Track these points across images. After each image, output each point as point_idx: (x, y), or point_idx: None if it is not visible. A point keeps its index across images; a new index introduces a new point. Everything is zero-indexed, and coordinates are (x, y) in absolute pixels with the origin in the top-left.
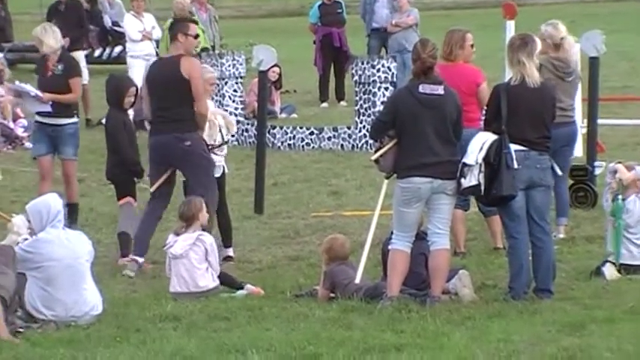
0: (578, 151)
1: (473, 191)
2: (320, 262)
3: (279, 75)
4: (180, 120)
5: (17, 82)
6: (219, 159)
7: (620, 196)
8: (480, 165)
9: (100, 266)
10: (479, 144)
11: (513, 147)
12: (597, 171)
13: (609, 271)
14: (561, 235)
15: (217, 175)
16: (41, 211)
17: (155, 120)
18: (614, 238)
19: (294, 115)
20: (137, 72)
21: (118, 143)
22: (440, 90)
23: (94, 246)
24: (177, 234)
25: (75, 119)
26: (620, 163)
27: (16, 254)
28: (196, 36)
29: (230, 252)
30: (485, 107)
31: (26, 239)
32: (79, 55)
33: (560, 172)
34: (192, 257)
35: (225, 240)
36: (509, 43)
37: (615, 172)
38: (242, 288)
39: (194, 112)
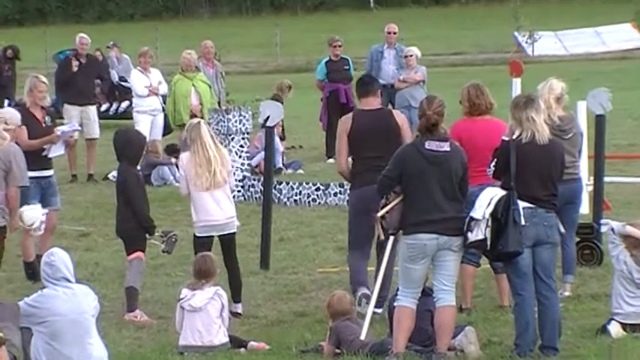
0: (584, 208)
1: (479, 246)
2: (326, 318)
3: (282, 127)
4: None
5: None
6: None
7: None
8: (487, 220)
9: (106, 321)
10: (487, 199)
11: (521, 204)
12: (603, 229)
13: (615, 329)
14: (567, 293)
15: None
16: (52, 265)
17: (369, 169)
18: None
19: (301, 171)
20: (143, 127)
21: (132, 198)
22: (446, 147)
23: (100, 300)
24: (194, 289)
25: None
26: (630, 224)
27: (21, 309)
28: None
29: (239, 308)
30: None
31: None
32: (93, 110)
33: (563, 230)
34: (210, 311)
35: (235, 295)
36: (514, 103)
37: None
38: (245, 346)
39: None
